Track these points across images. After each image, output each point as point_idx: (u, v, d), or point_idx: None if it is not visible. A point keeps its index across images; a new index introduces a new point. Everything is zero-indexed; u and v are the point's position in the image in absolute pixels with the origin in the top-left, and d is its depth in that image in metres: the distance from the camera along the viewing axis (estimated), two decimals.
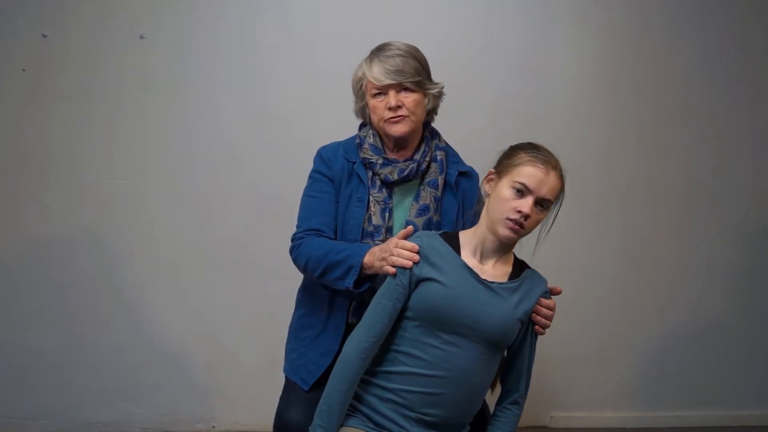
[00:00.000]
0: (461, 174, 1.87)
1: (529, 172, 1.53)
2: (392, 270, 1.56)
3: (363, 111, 1.87)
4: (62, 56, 2.63)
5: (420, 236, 1.61)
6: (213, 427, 2.78)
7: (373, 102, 1.80)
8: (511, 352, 1.64)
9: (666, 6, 2.77)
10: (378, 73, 1.76)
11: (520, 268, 1.64)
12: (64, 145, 2.66)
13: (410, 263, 1.55)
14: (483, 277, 1.56)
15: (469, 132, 2.72)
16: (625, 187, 2.82)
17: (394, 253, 1.57)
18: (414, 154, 1.83)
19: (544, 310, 1.63)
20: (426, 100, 1.83)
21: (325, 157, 1.86)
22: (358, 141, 1.86)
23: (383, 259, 1.59)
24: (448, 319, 1.52)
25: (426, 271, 1.55)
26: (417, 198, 1.81)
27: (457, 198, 1.85)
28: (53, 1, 2.62)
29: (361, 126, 1.91)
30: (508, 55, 2.74)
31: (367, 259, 1.64)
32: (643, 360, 2.88)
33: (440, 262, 1.56)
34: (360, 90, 1.84)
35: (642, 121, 2.80)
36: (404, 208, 1.82)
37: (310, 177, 1.87)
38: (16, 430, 2.70)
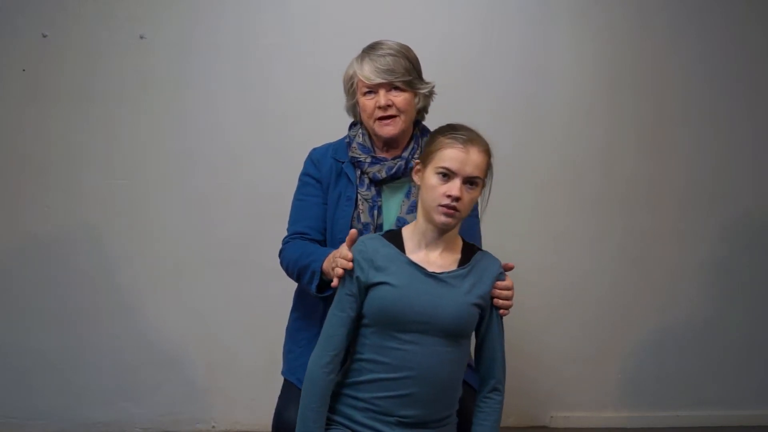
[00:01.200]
0: None
1: (449, 155, 1.53)
2: (340, 272, 1.55)
3: (353, 109, 1.88)
4: (62, 56, 2.63)
5: (363, 240, 1.60)
6: (213, 427, 2.78)
7: (363, 100, 1.81)
8: (480, 337, 1.62)
9: (666, 6, 2.77)
10: (369, 72, 1.77)
11: (470, 252, 1.62)
12: (64, 145, 2.66)
13: (341, 272, 1.55)
14: (431, 269, 1.55)
15: None
16: (625, 187, 2.82)
17: (336, 262, 1.58)
18: (403, 152, 1.84)
19: (502, 292, 1.61)
20: (416, 99, 1.84)
21: (314, 158, 1.88)
22: (347, 140, 1.87)
23: (332, 267, 1.60)
24: (403, 320, 1.51)
25: (372, 275, 1.54)
26: (408, 195, 1.82)
27: None
28: (53, 1, 2.62)
29: (351, 125, 1.92)
30: (508, 55, 2.74)
31: (325, 264, 1.66)
32: (643, 360, 2.87)
33: (386, 263, 1.54)
34: (351, 88, 1.85)
35: (642, 121, 2.80)
36: (395, 206, 1.82)
37: (300, 179, 1.89)
38: (16, 430, 2.70)
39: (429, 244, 1.58)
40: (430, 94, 1.89)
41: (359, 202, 1.80)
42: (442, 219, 1.52)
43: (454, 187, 1.51)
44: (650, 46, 2.78)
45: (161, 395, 2.74)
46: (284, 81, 2.67)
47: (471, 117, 2.69)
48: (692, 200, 2.84)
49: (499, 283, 1.60)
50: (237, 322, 2.73)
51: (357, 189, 1.81)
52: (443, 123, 2.76)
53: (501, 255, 2.69)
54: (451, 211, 1.52)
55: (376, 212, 1.79)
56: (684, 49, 2.79)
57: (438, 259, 1.57)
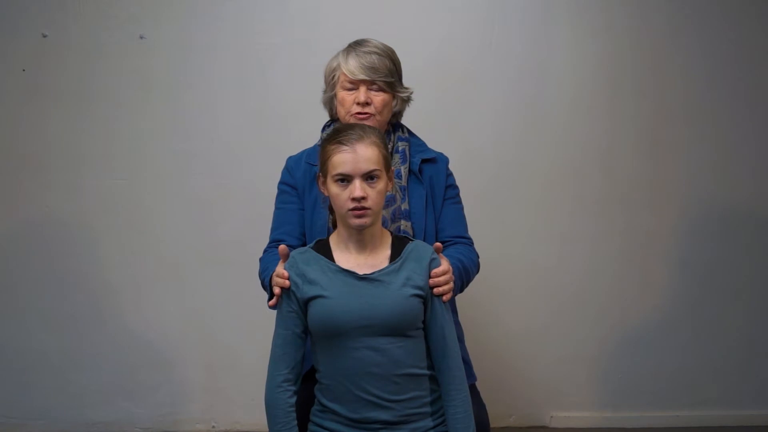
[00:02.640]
0: (426, 161, 1.87)
1: (339, 161, 1.52)
2: (277, 291, 1.56)
3: (331, 101, 1.89)
4: (62, 56, 2.63)
5: (293, 256, 1.60)
6: (213, 427, 2.79)
7: (342, 94, 1.82)
8: (426, 328, 1.59)
9: (666, 6, 2.77)
10: (353, 67, 1.79)
11: (401, 245, 1.60)
12: (64, 145, 2.66)
13: (278, 291, 1.56)
14: (362, 271, 1.55)
15: (469, 132, 2.74)
16: (626, 187, 2.82)
17: (274, 281, 1.59)
18: None
19: (438, 279, 1.57)
20: (394, 102, 1.85)
21: (289, 166, 1.90)
22: (320, 143, 1.87)
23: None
24: (346, 328, 1.51)
25: (307, 290, 1.54)
26: None
27: (423, 185, 1.84)
28: (53, 1, 2.62)
29: (324, 127, 1.93)
30: (508, 55, 2.73)
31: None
32: (643, 360, 2.87)
33: (317, 276, 1.55)
34: (332, 80, 1.85)
35: (642, 121, 2.80)
36: None
37: (278, 188, 1.91)
38: (16, 430, 2.70)
39: (356, 248, 1.58)
40: (407, 100, 1.90)
41: None
42: (357, 222, 1.52)
43: (355, 188, 1.51)
44: (650, 46, 2.78)
45: (161, 395, 2.75)
46: (284, 81, 2.67)
47: (471, 117, 2.74)
48: (692, 200, 2.84)
49: (433, 271, 1.58)
50: (237, 322, 2.73)
51: None
52: (445, 122, 2.78)
53: (501, 255, 2.72)
54: (362, 212, 1.51)
55: None
56: (684, 49, 2.79)
57: (368, 261, 1.57)
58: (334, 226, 1.65)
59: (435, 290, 1.57)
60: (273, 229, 1.88)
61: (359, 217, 1.52)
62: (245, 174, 2.69)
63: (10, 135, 2.66)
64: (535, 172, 2.78)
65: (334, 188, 1.54)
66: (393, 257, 1.58)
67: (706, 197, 2.85)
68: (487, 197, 2.74)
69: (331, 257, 1.58)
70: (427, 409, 1.58)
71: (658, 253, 2.86)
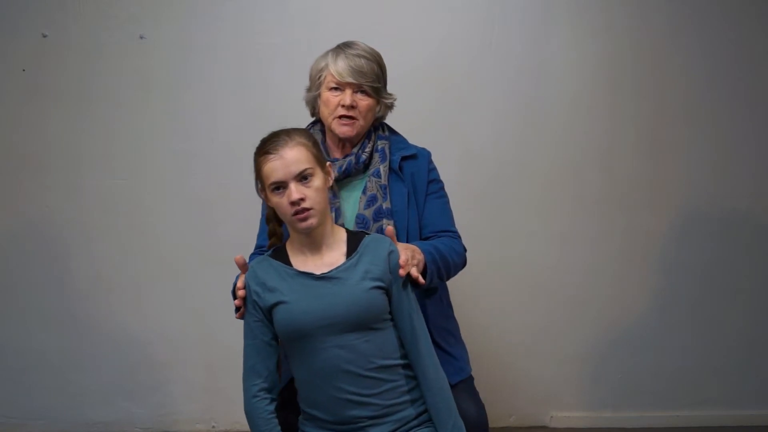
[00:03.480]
0: (406, 158, 1.86)
1: (268, 170, 1.54)
2: (237, 303, 1.59)
3: (314, 101, 1.88)
4: (62, 56, 2.63)
5: (252, 265, 1.61)
6: (213, 427, 2.79)
7: (327, 95, 1.81)
8: (394, 319, 1.59)
9: (666, 6, 2.77)
10: (342, 69, 1.78)
11: (356, 240, 1.60)
12: (64, 145, 2.66)
13: (239, 303, 1.59)
14: (320, 271, 1.55)
15: (469, 132, 2.74)
16: (625, 187, 2.82)
17: (235, 293, 1.60)
18: (353, 148, 1.85)
19: (401, 271, 1.54)
20: (378, 108, 1.85)
21: None
22: None
23: None
24: (310, 330, 1.52)
25: (268, 298, 1.55)
26: (364, 191, 1.81)
27: (405, 183, 1.84)
28: (53, 1, 2.62)
29: (308, 127, 1.93)
30: (508, 55, 2.73)
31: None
32: (643, 360, 2.87)
33: (276, 282, 1.55)
34: (318, 79, 1.84)
35: (642, 121, 2.80)
36: (353, 204, 1.82)
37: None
38: (16, 430, 2.70)
39: (310, 250, 1.58)
40: (390, 106, 1.90)
41: None
42: (302, 225, 1.53)
43: (293, 192, 1.51)
44: (650, 46, 2.78)
45: (161, 395, 2.75)
46: (284, 81, 2.67)
47: (471, 117, 2.73)
48: (692, 200, 2.84)
49: (400, 261, 1.55)
50: (237, 322, 2.69)
51: None
52: (445, 122, 2.77)
53: (501, 255, 2.72)
54: (306, 214, 1.52)
55: (334, 214, 1.77)
56: (684, 49, 2.79)
57: (325, 260, 1.57)
58: (270, 237, 1.67)
59: (402, 271, 1.53)
60: (258, 235, 1.91)
61: (303, 219, 1.52)
62: (245, 174, 2.65)
63: (10, 135, 2.66)
64: (535, 172, 2.78)
65: (273, 198, 1.55)
66: (349, 253, 1.58)
67: (706, 197, 2.85)
68: (487, 197, 2.74)
69: (288, 262, 1.59)
70: (407, 397, 1.57)
71: (658, 253, 2.85)
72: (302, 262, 1.58)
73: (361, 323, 1.53)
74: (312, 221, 1.53)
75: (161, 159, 2.68)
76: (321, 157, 1.59)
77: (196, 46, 2.65)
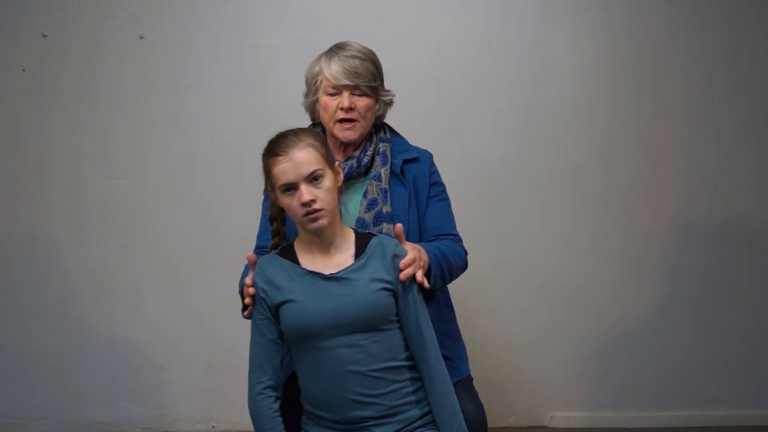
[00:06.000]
0: (408, 161, 1.86)
1: (278, 171, 1.53)
2: (247, 301, 1.59)
3: (313, 106, 1.87)
4: (62, 56, 2.63)
5: (260, 264, 1.61)
6: (213, 427, 2.79)
7: (325, 99, 1.80)
8: (401, 320, 1.59)
9: (666, 6, 2.77)
10: (336, 72, 1.77)
11: (364, 242, 1.61)
12: (64, 145, 2.66)
13: (249, 300, 1.59)
14: (328, 271, 1.56)
15: (469, 132, 2.74)
16: (626, 187, 2.82)
17: (245, 291, 1.60)
18: (354, 150, 1.84)
19: (406, 271, 1.56)
20: (377, 106, 1.84)
21: None
22: None
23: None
24: (317, 330, 1.52)
25: (275, 296, 1.55)
26: (365, 194, 1.81)
27: (406, 186, 1.83)
28: (53, 1, 2.63)
29: None
30: (508, 55, 2.73)
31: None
32: (643, 360, 2.87)
33: (285, 281, 1.56)
34: (314, 85, 1.84)
35: (642, 121, 2.80)
36: (354, 207, 1.82)
37: (263, 194, 1.91)
38: (16, 430, 2.70)
39: (319, 250, 1.59)
40: (390, 103, 1.89)
41: None
42: (313, 226, 1.53)
43: (303, 193, 1.51)
44: (650, 46, 2.78)
45: (161, 395, 2.75)
46: (284, 81, 2.66)
47: (471, 117, 2.73)
48: (692, 200, 2.84)
49: (401, 263, 1.56)
50: (237, 322, 2.70)
51: None
52: (445, 122, 2.77)
53: (501, 255, 2.72)
54: (316, 215, 1.52)
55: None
56: (684, 49, 2.79)
57: (333, 260, 1.58)
58: (273, 236, 1.67)
59: (402, 274, 1.55)
60: (258, 236, 1.90)
61: (314, 220, 1.52)
62: (245, 174, 2.67)
63: (10, 135, 2.66)
64: (535, 173, 2.78)
65: (284, 199, 1.55)
66: (357, 254, 1.58)
67: (706, 197, 2.85)
68: (488, 198, 2.74)
69: (296, 261, 1.59)
70: (412, 398, 1.58)
71: (658, 253, 2.85)
72: (311, 261, 1.58)
73: (369, 324, 1.53)
74: (323, 221, 1.53)
75: (161, 159, 2.68)
76: (330, 157, 1.59)
77: (196, 46, 2.65)
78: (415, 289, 1.60)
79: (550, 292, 2.82)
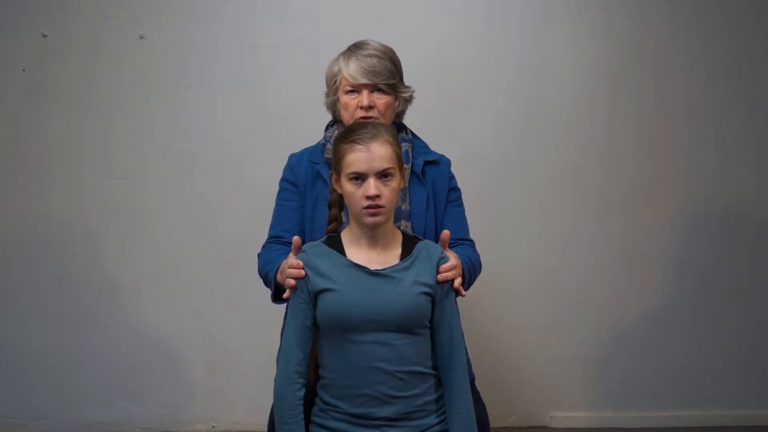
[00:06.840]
0: (428, 163, 1.87)
1: (353, 159, 1.53)
2: (292, 283, 1.57)
3: (334, 106, 1.88)
4: (62, 56, 2.63)
5: (305, 249, 1.61)
6: (213, 427, 2.79)
7: (345, 98, 1.81)
8: (434, 326, 1.60)
9: (666, 6, 2.77)
10: (354, 71, 1.78)
11: (411, 244, 1.62)
12: (64, 145, 2.66)
13: (293, 282, 1.56)
14: (373, 267, 1.56)
15: (469, 132, 2.74)
16: (626, 187, 2.82)
17: (285, 272, 1.59)
18: None
19: (446, 274, 1.58)
20: (397, 103, 1.85)
21: (291, 163, 1.90)
22: (323, 142, 1.88)
23: (285, 279, 1.60)
24: (355, 322, 1.52)
25: (318, 282, 1.55)
26: None
27: (425, 187, 1.84)
28: (53, 1, 2.63)
29: (328, 126, 1.93)
30: (508, 55, 2.74)
31: (279, 276, 1.66)
32: (643, 360, 2.87)
33: (329, 269, 1.56)
34: (334, 85, 1.85)
35: (642, 121, 2.80)
36: None
37: (279, 185, 1.90)
38: (16, 430, 2.70)
39: (367, 245, 1.59)
40: (410, 99, 1.90)
41: None
42: (370, 220, 1.54)
43: (370, 187, 1.52)
44: (650, 46, 2.78)
45: (161, 395, 2.75)
46: (284, 81, 2.67)
47: (471, 117, 2.73)
48: (692, 200, 2.84)
49: (442, 267, 1.59)
50: (237, 322, 2.73)
51: None
52: (444, 122, 2.77)
53: (501, 255, 2.72)
54: (376, 210, 1.53)
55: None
56: (684, 49, 2.79)
57: (379, 257, 1.58)
58: (330, 222, 1.66)
59: (441, 276, 1.57)
60: (272, 226, 1.88)
61: (373, 215, 1.53)
62: (245, 174, 2.69)
63: (10, 135, 2.66)
64: (535, 172, 2.78)
65: (348, 186, 1.55)
66: (404, 255, 1.59)
67: (706, 197, 2.85)
68: (488, 198, 2.74)
69: (342, 252, 1.59)
70: (432, 407, 1.59)
71: (658, 253, 2.86)
72: (357, 254, 1.58)
73: (406, 325, 1.54)
74: (380, 218, 1.54)
75: (161, 159, 2.68)
76: (401, 159, 1.60)
77: (196, 46, 2.65)
78: (452, 296, 1.62)
79: (550, 292, 2.82)
